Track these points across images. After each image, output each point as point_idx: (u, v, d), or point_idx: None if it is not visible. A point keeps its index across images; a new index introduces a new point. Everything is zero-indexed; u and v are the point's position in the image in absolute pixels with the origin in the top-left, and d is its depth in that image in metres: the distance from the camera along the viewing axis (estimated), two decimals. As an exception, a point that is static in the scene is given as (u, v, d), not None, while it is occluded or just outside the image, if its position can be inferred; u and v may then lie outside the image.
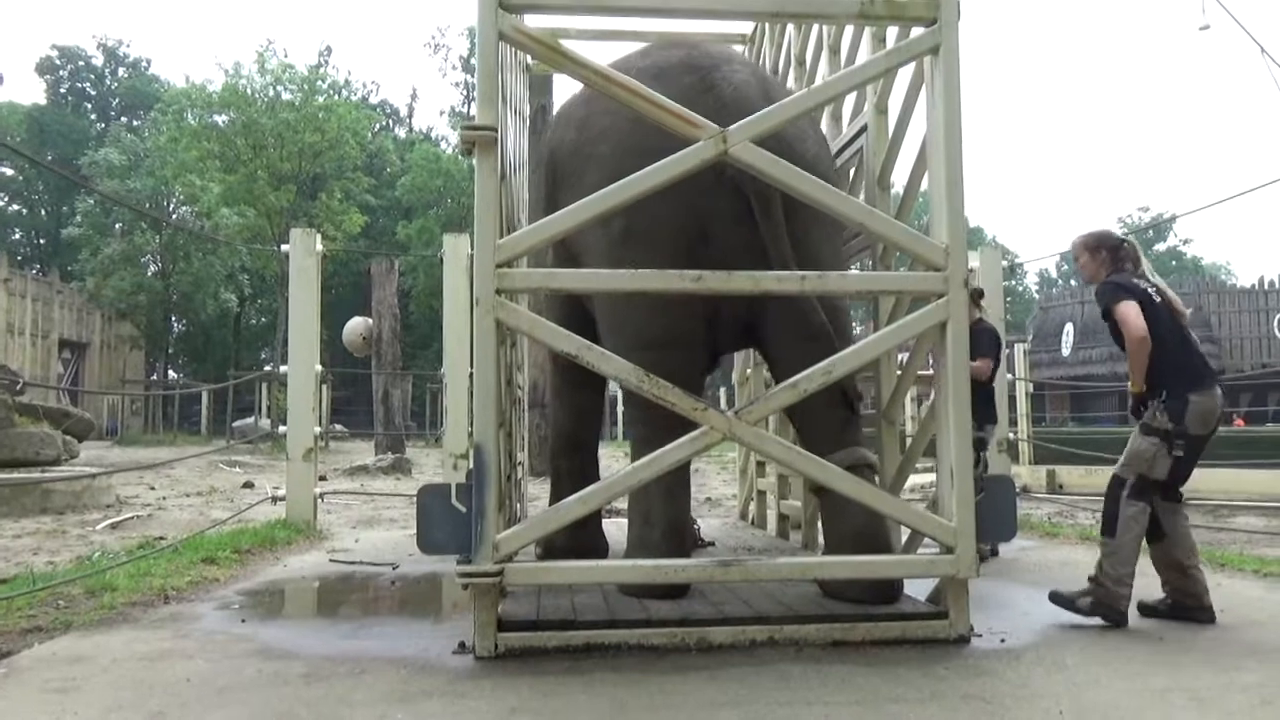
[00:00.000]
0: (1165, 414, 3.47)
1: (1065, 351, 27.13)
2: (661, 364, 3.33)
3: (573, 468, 4.80)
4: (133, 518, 7.69)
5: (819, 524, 5.14)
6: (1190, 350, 3.63)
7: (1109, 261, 3.77)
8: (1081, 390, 22.20)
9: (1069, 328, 27.35)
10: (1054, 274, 56.31)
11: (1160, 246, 47.66)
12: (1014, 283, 47.61)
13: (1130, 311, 3.52)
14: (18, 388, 8.92)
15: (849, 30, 4.63)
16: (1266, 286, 25.15)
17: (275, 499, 6.84)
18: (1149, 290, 3.65)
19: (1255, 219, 74.83)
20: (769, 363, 4.15)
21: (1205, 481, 10.40)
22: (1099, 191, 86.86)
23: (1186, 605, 3.58)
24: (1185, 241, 48.29)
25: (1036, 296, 45.25)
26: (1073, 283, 51.03)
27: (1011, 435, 6.53)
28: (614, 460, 14.11)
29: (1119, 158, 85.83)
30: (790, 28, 5.56)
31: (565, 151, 4.18)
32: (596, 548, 4.62)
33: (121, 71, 44.09)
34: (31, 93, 41.78)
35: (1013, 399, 10.94)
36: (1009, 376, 7.81)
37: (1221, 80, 79.63)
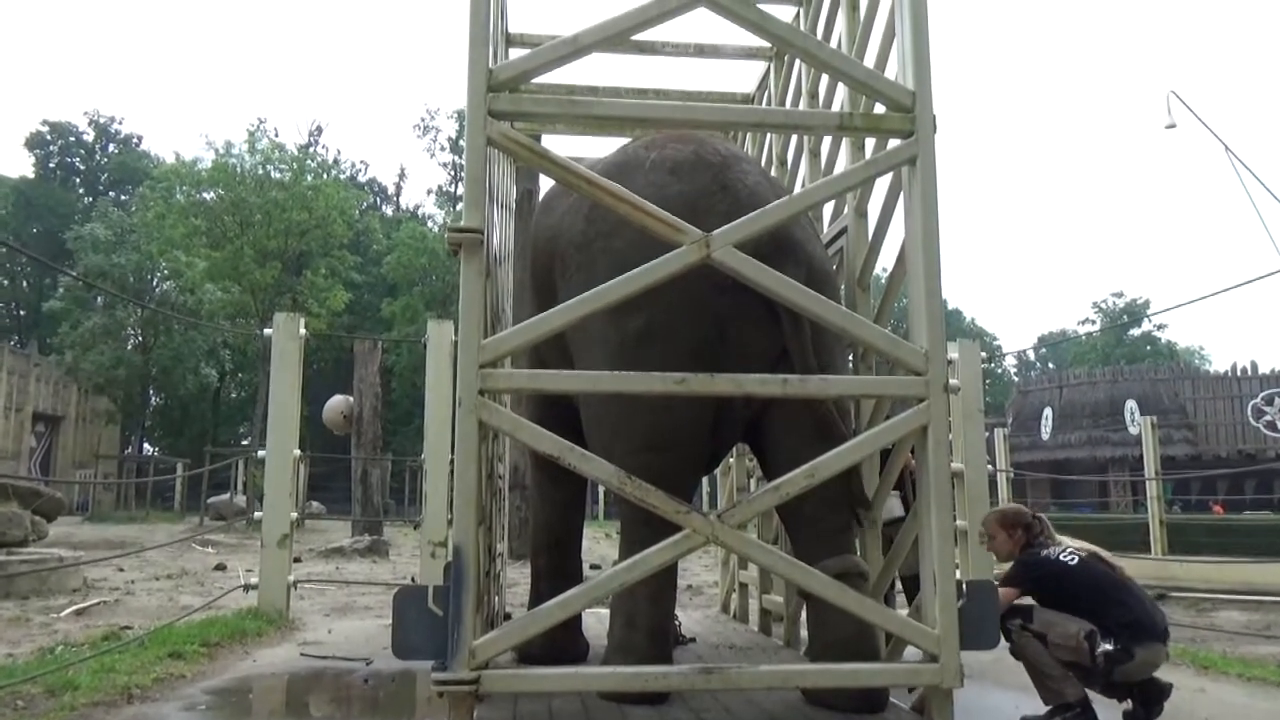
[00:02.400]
0: (1105, 660, 3.44)
1: (1045, 435, 27.31)
2: (658, 466, 3.32)
3: (552, 566, 4.71)
4: (99, 603, 7.50)
5: (801, 621, 5.09)
6: (1133, 597, 3.60)
7: (1023, 539, 3.83)
8: (1063, 476, 22.24)
9: (1048, 412, 27.57)
10: (1032, 357, 57.00)
11: (1135, 331, 48.39)
12: (992, 364, 48.09)
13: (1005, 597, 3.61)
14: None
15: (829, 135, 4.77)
16: (1240, 373, 25.52)
17: (248, 587, 6.68)
18: (1063, 558, 3.68)
19: (1228, 305, 76.58)
20: (768, 462, 4.00)
21: (1185, 572, 10.39)
22: (1074, 276, 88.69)
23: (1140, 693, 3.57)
24: (1160, 327, 49.09)
25: (1015, 379, 45.67)
26: (1050, 366, 51.76)
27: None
28: (595, 543, 13.94)
29: (1093, 245, 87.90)
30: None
31: (570, 241, 4.01)
32: (575, 649, 4.52)
33: (112, 147, 44.60)
34: (19, 166, 42.06)
35: (993, 485, 10.95)
36: (989, 467, 7.82)
37: (1190, 173, 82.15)
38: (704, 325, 3.62)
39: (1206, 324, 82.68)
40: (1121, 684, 3.54)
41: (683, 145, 3.96)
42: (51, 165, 43.24)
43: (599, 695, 3.60)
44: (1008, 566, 3.86)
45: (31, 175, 41.88)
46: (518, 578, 8.22)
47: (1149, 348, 47.20)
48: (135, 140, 45.10)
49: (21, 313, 41.04)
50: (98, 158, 44.61)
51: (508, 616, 5.54)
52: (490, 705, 3.47)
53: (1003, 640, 3.42)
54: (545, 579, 4.64)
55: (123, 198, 38.99)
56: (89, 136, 44.39)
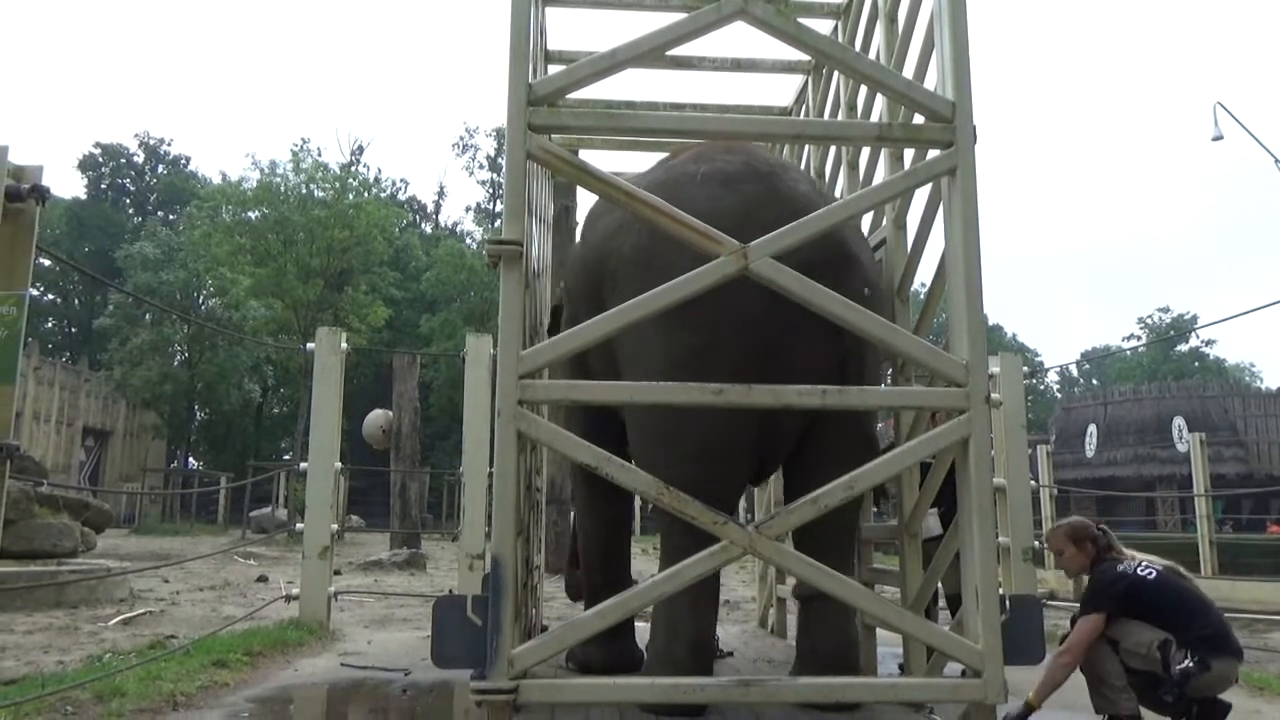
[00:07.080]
0: (1182, 676, 3.35)
1: (1089, 453, 26.78)
2: (702, 477, 3.32)
3: (610, 580, 4.62)
4: (145, 613, 7.62)
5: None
6: (1212, 612, 3.53)
7: (1093, 551, 3.76)
8: (1109, 493, 21.80)
9: (1092, 429, 27.05)
10: (1075, 372, 55.98)
11: (1182, 347, 47.33)
12: (1035, 381, 47.31)
13: (1085, 629, 3.49)
14: (41, 487, 8.98)
15: (867, 147, 4.75)
16: (1292, 390, 24.89)
17: (289, 598, 6.76)
18: (1140, 572, 3.59)
19: (1278, 319, 74.55)
20: (807, 471, 3.89)
21: (1237, 593, 10.11)
22: (1119, 292, 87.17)
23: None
24: (1208, 343, 47.89)
25: (1059, 395, 44.90)
26: (1095, 382, 50.80)
27: (1037, 543, 6.39)
28: (633, 558, 13.89)
29: (1138, 259, 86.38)
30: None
31: (624, 258, 3.95)
32: (633, 660, 4.50)
33: (161, 168, 45.63)
34: (72, 187, 43.06)
35: (1037, 502, 10.76)
36: (1033, 483, 7.70)
37: (1238, 186, 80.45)
38: (752, 341, 3.61)
39: (1257, 340, 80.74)
40: (1184, 702, 3.45)
41: (732, 156, 3.94)
42: (103, 186, 44.33)
43: (639, 706, 3.58)
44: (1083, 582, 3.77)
45: (84, 196, 42.95)
46: (554, 591, 8.23)
47: (1196, 364, 46.14)
48: (184, 161, 46.11)
49: (73, 330, 42.05)
50: (147, 178, 45.63)
51: (544, 629, 5.55)
52: (528, 715, 3.47)
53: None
54: (605, 594, 4.59)
55: (171, 217, 39.87)
56: (139, 158, 45.44)
